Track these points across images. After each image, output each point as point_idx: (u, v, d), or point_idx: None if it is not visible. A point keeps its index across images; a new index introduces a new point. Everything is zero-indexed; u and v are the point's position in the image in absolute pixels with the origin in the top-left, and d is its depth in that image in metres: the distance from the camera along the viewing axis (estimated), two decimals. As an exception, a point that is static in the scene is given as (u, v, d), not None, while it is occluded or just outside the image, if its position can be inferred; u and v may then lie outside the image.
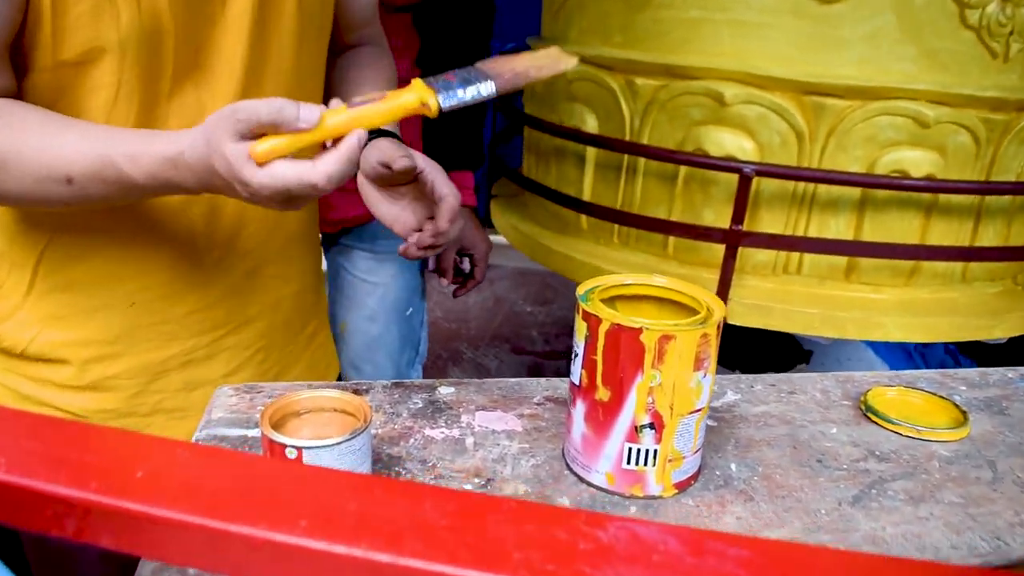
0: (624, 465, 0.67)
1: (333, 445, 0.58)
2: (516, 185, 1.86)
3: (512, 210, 1.89)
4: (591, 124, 1.58)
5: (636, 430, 0.65)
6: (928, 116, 1.34)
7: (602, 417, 0.66)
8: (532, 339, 3.14)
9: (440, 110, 0.63)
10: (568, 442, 0.70)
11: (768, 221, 1.43)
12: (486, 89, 0.64)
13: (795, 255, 1.45)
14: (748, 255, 1.45)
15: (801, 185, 1.40)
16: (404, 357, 1.59)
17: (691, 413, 0.66)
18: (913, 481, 0.74)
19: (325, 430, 0.63)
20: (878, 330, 1.41)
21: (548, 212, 1.75)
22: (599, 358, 0.64)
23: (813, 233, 1.43)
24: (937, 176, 1.40)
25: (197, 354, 0.85)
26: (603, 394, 0.65)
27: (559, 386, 0.85)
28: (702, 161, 1.40)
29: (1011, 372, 1.00)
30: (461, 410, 0.79)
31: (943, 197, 1.42)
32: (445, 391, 0.82)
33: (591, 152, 1.58)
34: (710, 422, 0.81)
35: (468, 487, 0.67)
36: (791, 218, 1.43)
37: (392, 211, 0.80)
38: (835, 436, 0.80)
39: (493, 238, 1.33)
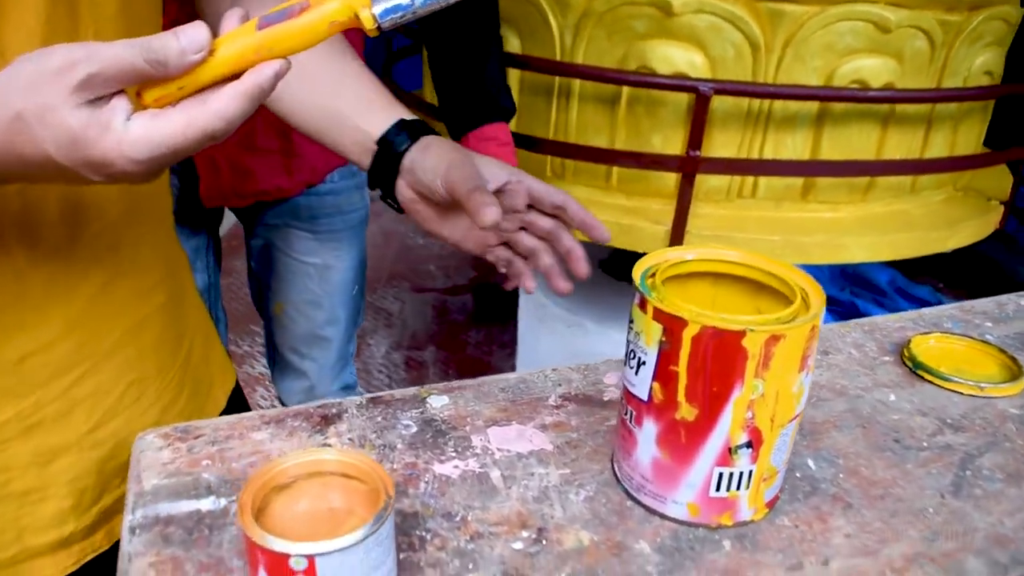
0: (712, 493, 0.52)
1: (359, 543, 0.41)
2: (419, 112, 1.65)
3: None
4: (513, 44, 1.39)
5: (731, 452, 0.51)
6: (890, 20, 1.23)
7: (685, 440, 0.51)
8: (431, 275, 2.97)
9: (378, 25, 0.45)
10: (626, 465, 0.55)
11: (721, 143, 1.30)
12: None
13: (749, 178, 1.33)
14: (700, 181, 1.31)
15: (756, 102, 1.27)
16: (348, 335, 1.41)
17: (791, 421, 0.52)
18: (1001, 454, 0.64)
19: (329, 510, 0.45)
20: (842, 252, 1.32)
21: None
22: (682, 369, 0.49)
23: (769, 153, 1.31)
24: (896, 84, 1.30)
25: (44, 412, 0.58)
26: (687, 412, 0.50)
27: (570, 377, 0.69)
28: (651, 81, 1.24)
29: (1022, 299, 0.92)
30: (468, 428, 0.62)
31: (900, 107, 1.32)
32: (437, 402, 0.65)
33: (515, 76, 1.40)
34: (760, 405, 0.67)
35: (518, 546, 0.51)
36: (745, 139, 1.31)
37: (459, 230, 0.69)
38: (897, 405, 0.69)
39: None
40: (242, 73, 0.44)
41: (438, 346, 2.53)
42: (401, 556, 0.49)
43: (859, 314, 2.30)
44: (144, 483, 0.55)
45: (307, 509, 0.45)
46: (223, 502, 0.53)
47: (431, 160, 0.66)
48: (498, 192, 0.67)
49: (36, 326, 0.57)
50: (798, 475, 0.60)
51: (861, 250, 1.33)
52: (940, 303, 0.96)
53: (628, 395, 0.54)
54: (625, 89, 1.28)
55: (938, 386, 0.72)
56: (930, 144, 1.41)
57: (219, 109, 0.42)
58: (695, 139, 1.22)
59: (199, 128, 0.42)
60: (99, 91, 0.41)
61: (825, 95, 1.26)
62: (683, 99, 1.25)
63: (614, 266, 1.79)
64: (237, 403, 0.80)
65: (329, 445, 0.59)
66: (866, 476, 0.60)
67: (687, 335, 0.48)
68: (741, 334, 0.47)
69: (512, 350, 2.24)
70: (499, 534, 0.51)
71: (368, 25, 0.44)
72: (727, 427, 0.50)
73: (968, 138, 1.47)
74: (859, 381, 0.72)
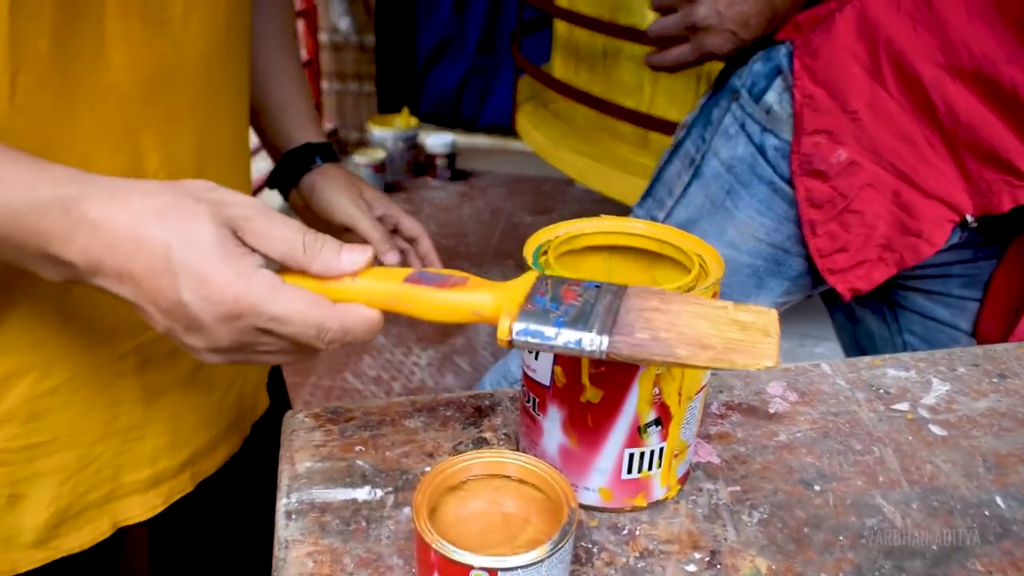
0: (624, 475, 0.49)
1: (544, 559, 0.38)
2: (547, 85, 1.60)
3: (543, 118, 1.65)
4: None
5: (640, 431, 0.48)
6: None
7: (592, 424, 0.48)
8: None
9: (510, 340, 0.42)
10: (532, 455, 0.50)
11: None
12: (590, 345, 0.40)
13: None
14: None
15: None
16: None
17: (699, 392, 0.50)
18: None
19: (503, 516, 0.42)
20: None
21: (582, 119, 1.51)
22: None
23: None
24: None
25: (159, 348, 0.59)
26: (592, 395, 0.47)
27: (731, 384, 0.65)
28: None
29: None
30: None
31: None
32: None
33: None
34: (937, 430, 0.62)
35: (691, 569, 0.47)
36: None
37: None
38: (1090, 440, 0.62)
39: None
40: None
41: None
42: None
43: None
44: (297, 465, 0.53)
45: (480, 513, 0.43)
46: (379, 493, 0.51)
47: (328, 191, 0.74)
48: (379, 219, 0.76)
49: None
50: (986, 512, 0.54)
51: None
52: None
53: (529, 381, 0.50)
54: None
55: None
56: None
57: (346, 319, 0.44)
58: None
59: (325, 325, 0.43)
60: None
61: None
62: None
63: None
64: None
65: (485, 439, 0.56)
66: (1065, 521, 0.54)
67: None
68: None
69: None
70: (670, 555, 0.48)
71: (502, 337, 0.42)
72: (634, 406, 0.47)
73: None
74: (1044, 410, 0.66)
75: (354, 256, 0.44)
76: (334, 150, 0.78)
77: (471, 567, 0.38)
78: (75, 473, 0.56)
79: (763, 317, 0.41)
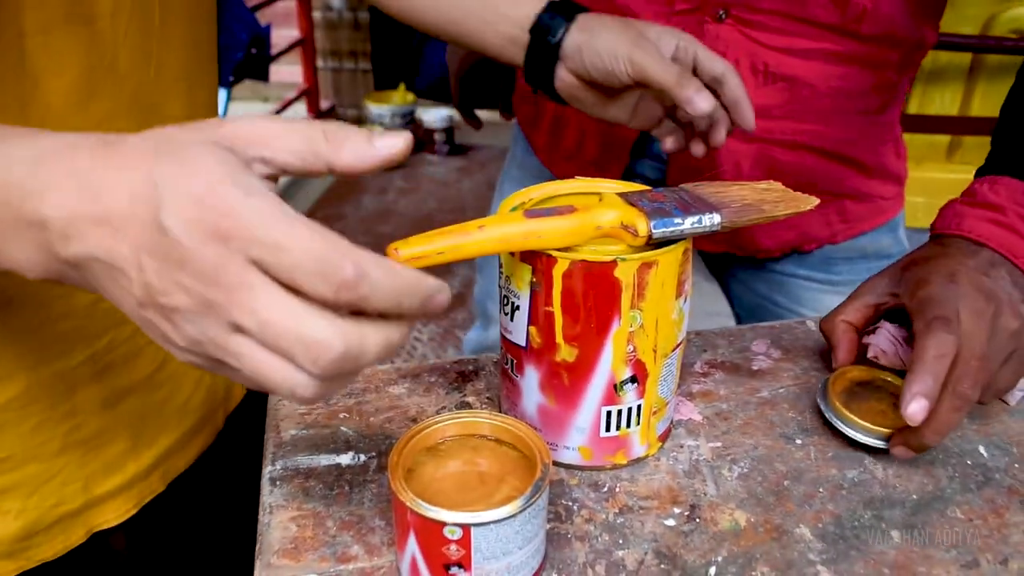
0: (603, 433, 0.50)
1: (516, 515, 0.38)
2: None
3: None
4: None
5: (616, 388, 0.48)
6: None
7: (568, 383, 0.48)
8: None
9: (650, 238, 0.46)
10: (513, 416, 0.50)
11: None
12: (709, 221, 0.47)
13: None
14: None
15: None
16: None
17: (674, 349, 0.50)
18: None
19: (479, 475, 0.43)
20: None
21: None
22: (556, 309, 0.46)
23: (914, 108, 1.22)
24: (1062, 33, 1.18)
25: (116, 353, 0.55)
26: (567, 354, 0.48)
27: (716, 343, 0.65)
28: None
29: None
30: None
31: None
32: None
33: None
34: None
35: (670, 524, 0.48)
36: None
37: (625, 110, 0.66)
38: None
39: (481, 113, 1.07)
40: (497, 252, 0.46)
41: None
42: (547, 526, 0.47)
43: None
44: (283, 433, 0.54)
45: (456, 472, 0.43)
46: (363, 458, 0.52)
47: (602, 42, 0.61)
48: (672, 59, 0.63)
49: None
50: (968, 462, 0.55)
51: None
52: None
53: (507, 343, 0.51)
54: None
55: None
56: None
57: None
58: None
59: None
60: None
61: (980, 45, 1.16)
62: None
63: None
64: None
65: (468, 403, 0.57)
66: (1046, 466, 0.55)
67: (557, 272, 0.45)
68: (612, 264, 0.45)
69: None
70: (649, 511, 0.49)
71: (643, 233, 0.46)
72: (609, 363, 0.48)
73: None
74: (1030, 360, 0.66)
75: (388, 140, 0.36)
76: (579, 4, 0.65)
77: (444, 523, 0.38)
78: (41, 486, 0.54)
79: (775, 186, 0.52)
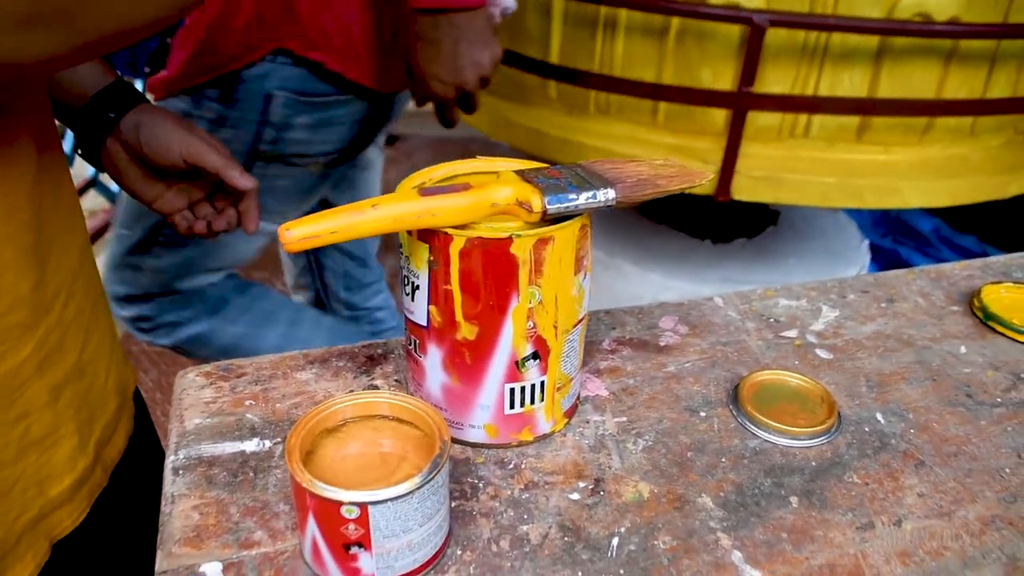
0: (507, 411, 0.51)
1: (414, 491, 0.38)
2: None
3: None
4: (557, -30, 1.33)
5: (518, 365, 0.49)
6: (960, -54, 1.15)
7: (470, 361, 0.49)
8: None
9: (544, 215, 0.46)
10: (419, 396, 0.52)
11: (774, 79, 1.24)
12: (604, 196, 0.47)
13: (803, 117, 1.28)
14: (750, 119, 1.26)
15: (812, 36, 1.21)
16: None
17: (576, 326, 0.51)
18: (1080, 410, 0.60)
19: (381, 455, 0.42)
20: (896, 196, 1.27)
21: (504, 78, 1.51)
22: (455, 287, 0.47)
23: (824, 91, 1.25)
24: (961, 18, 1.22)
25: (51, 340, 0.52)
26: (467, 332, 0.48)
27: (624, 320, 0.66)
28: (702, 11, 1.18)
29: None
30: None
31: (964, 44, 1.25)
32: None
33: (558, 5, 1.34)
34: (823, 354, 0.64)
35: (575, 498, 0.48)
36: (800, 74, 1.25)
37: (155, 191, 0.75)
38: (968, 358, 0.65)
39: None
40: (393, 232, 0.47)
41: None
42: (453, 504, 0.47)
43: (902, 263, 2.23)
44: (186, 423, 0.53)
45: (357, 454, 0.43)
46: (268, 444, 0.51)
47: (159, 128, 0.70)
48: None
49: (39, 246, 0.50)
50: (867, 429, 0.57)
51: (916, 194, 1.27)
52: (985, 254, 0.91)
53: (409, 323, 0.51)
54: (674, 20, 1.22)
55: (1011, 339, 0.68)
56: (992, 84, 1.34)
57: None
58: (747, 74, 1.16)
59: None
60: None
61: (886, 28, 1.20)
62: (736, 31, 1.19)
63: (652, 207, 1.74)
64: None
65: (376, 387, 0.57)
66: (938, 432, 0.57)
67: (454, 250, 0.46)
68: (508, 241, 0.45)
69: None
70: (555, 486, 0.49)
71: (537, 209, 0.46)
72: (510, 340, 0.48)
73: (1032, 78, 1.40)
74: (927, 331, 0.69)
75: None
76: (138, 91, 0.74)
77: (341, 503, 0.38)
78: (1, 498, 0.51)
79: (672, 162, 0.52)
